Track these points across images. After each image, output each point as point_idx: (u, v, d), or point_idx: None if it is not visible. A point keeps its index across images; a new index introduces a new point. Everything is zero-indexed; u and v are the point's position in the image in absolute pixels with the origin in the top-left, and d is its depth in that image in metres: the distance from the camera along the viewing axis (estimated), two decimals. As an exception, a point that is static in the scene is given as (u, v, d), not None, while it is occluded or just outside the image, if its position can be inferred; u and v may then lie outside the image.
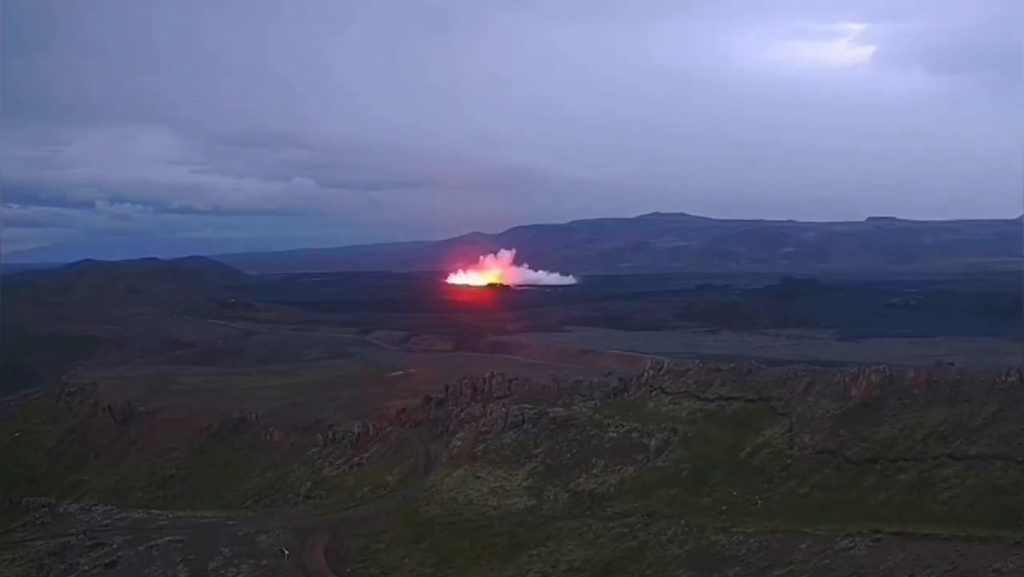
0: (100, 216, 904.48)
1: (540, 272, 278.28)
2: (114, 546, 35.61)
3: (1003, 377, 39.08)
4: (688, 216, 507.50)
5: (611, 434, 47.20)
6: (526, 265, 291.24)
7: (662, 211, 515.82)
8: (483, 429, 51.32)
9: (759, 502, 37.42)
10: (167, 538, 36.61)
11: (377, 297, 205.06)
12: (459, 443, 50.87)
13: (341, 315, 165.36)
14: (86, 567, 33.84)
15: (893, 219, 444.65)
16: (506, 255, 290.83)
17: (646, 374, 56.31)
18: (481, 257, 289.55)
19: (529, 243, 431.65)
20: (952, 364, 44.26)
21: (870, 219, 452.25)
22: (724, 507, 37.35)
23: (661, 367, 56.51)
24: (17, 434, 79.44)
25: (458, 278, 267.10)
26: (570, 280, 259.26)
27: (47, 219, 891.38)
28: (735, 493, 38.70)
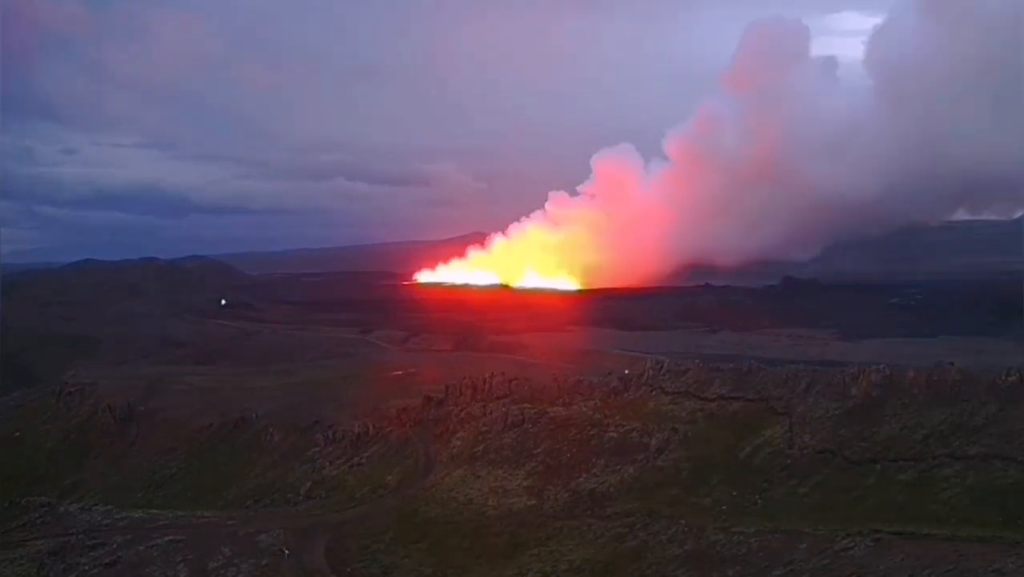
0: (101, 216, 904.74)
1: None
2: (114, 546, 35.62)
3: (1003, 377, 39.14)
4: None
5: (611, 434, 47.25)
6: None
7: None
8: (483, 429, 51.40)
9: (759, 502, 37.50)
10: (167, 538, 36.63)
11: (377, 297, 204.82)
12: (459, 443, 50.91)
13: (341, 315, 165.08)
14: (86, 567, 33.84)
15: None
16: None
17: (646, 374, 56.33)
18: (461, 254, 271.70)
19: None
20: (952, 364, 44.24)
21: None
22: (724, 507, 37.42)
23: (661, 367, 56.55)
24: (17, 434, 79.35)
25: (428, 276, 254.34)
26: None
27: (47, 219, 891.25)
28: (735, 493, 38.77)
